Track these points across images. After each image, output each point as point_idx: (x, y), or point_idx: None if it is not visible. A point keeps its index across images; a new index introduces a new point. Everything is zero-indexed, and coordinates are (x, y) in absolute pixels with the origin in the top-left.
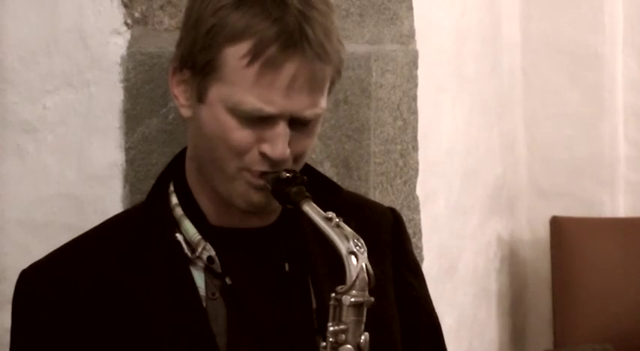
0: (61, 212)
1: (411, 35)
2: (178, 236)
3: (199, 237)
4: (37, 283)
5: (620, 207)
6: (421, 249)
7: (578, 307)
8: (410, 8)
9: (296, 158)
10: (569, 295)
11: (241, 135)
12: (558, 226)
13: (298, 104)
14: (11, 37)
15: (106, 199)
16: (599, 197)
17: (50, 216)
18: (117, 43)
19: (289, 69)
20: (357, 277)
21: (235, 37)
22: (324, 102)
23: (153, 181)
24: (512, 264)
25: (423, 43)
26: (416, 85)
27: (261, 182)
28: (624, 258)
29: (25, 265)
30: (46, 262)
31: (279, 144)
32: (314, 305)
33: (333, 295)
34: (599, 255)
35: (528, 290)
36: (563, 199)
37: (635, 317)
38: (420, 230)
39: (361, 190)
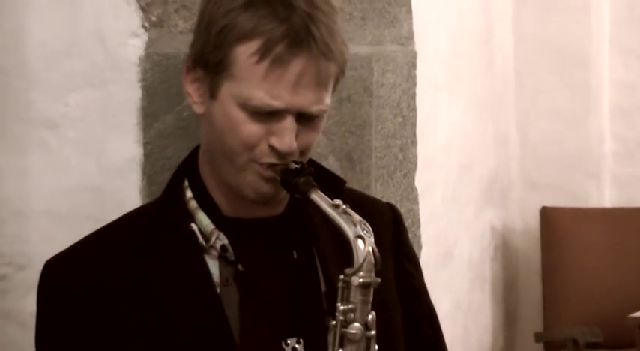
0: (82, 203)
1: (410, 37)
2: (193, 226)
3: (213, 227)
4: (59, 272)
5: (605, 198)
6: (419, 238)
7: (567, 292)
8: (409, 12)
9: (302, 152)
10: (559, 281)
11: (251, 129)
12: (548, 216)
13: (304, 100)
14: (35, 38)
15: (125, 190)
16: (586, 189)
17: (72, 207)
18: (135, 45)
19: (296, 66)
20: (364, 259)
21: (245, 37)
22: (328, 99)
23: (168, 174)
24: (505, 252)
25: (422, 45)
26: (415, 84)
27: (269, 174)
28: (610, 246)
29: (49, 252)
30: (69, 252)
31: (286, 137)
32: (323, 288)
33: (342, 276)
34: (587, 243)
35: (520, 276)
36: (552, 191)
37: (620, 301)
38: (419, 220)
39: (363, 183)
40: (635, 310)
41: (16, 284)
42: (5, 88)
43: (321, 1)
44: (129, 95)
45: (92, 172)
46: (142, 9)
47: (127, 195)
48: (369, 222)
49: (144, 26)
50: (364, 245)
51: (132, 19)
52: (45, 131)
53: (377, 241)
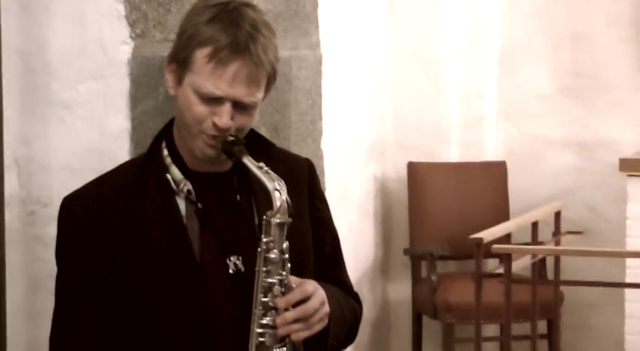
0: (89, 161)
1: (317, 44)
2: (168, 176)
3: (182, 177)
4: (73, 204)
5: (453, 155)
6: (324, 183)
7: (426, 221)
8: (317, 27)
9: (238, 130)
10: (420, 213)
11: (200, 109)
12: (413, 168)
13: (238, 92)
14: (54, 45)
15: (119, 152)
16: (439, 149)
17: (82, 163)
18: (125, 50)
19: (233, 67)
20: (280, 206)
21: (202, 43)
22: (259, 95)
23: (150, 140)
24: (383, 193)
25: (326, 50)
26: (321, 77)
27: (212, 142)
28: (455, 188)
29: (65, 195)
30: (81, 191)
31: (223, 117)
32: (256, 222)
33: (264, 217)
34: (439, 186)
35: (393, 210)
36: (416, 151)
37: (462, 226)
38: (324, 171)
39: (285, 145)
40: (474, 233)
41: (41, 217)
42: (34, 81)
43: (263, 25)
44: (121, 85)
45: (95, 139)
46: (130, 25)
47: (120, 155)
48: (293, 170)
49: (131, 37)
50: (280, 195)
51: (123, 31)
52: (62, 110)
53: (296, 186)
